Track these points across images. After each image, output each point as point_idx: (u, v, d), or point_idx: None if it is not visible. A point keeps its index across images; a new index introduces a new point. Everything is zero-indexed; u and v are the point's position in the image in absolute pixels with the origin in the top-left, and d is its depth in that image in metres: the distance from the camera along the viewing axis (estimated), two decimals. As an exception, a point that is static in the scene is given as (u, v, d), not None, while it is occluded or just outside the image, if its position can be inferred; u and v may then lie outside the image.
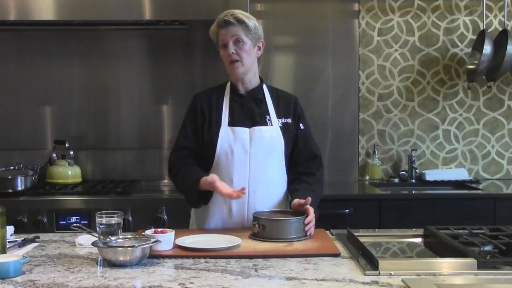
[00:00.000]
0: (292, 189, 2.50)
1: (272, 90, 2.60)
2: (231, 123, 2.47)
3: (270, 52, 3.85)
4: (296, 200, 2.35)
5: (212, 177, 2.35)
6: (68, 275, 1.82)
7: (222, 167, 2.45)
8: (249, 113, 2.50)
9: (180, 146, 2.53)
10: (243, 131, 2.45)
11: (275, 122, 2.50)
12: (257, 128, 2.46)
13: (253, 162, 2.44)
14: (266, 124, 2.48)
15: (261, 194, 2.45)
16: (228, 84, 2.56)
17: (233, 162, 2.43)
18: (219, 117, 2.49)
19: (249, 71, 2.50)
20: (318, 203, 2.47)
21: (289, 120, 2.53)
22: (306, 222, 2.25)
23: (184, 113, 2.59)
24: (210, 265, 1.92)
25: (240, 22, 2.44)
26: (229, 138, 2.45)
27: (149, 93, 3.92)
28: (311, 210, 2.28)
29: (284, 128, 2.51)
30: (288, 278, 1.78)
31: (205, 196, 2.43)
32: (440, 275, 1.78)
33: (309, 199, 2.30)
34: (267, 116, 2.51)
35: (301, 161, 2.55)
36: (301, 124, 2.56)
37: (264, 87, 2.57)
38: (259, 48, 2.52)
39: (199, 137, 2.50)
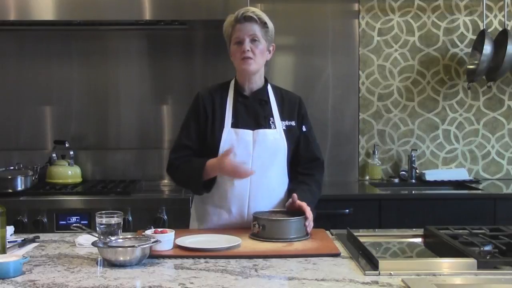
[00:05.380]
0: (290, 189, 2.49)
1: (276, 90, 2.55)
2: (235, 125, 2.43)
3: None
4: (288, 202, 2.37)
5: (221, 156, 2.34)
6: (68, 275, 1.82)
7: None
8: (253, 115, 2.46)
9: (183, 145, 2.49)
10: (247, 134, 2.42)
11: (279, 125, 2.46)
12: (261, 131, 2.43)
13: (255, 165, 2.41)
14: (269, 127, 2.45)
15: (261, 197, 2.43)
16: (232, 83, 2.52)
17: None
18: (223, 117, 2.45)
19: (258, 71, 2.47)
20: (316, 203, 2.47)
21: (293, 123, 2.50)
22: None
23: (184, 113, 2.55)
24: (210, 265, 1.91)
25: (261, 21, 2.41)
26: (232, 140, 2.41)
27: (149, 93, 3.92)
28: (305, 207, 2.28)
29: (288, 131, 2.48)
30: (288, 278, 1.78)
31: (208, 184, 2.41)
32: (440, 275, 1.78)
33: (295, 195, 2.32)
34: (271, 118, 2.47)
35: (301, 163, 2.54)
36: (303, 126, 2.54)
37: (269, 87, 2.53)
38: (269, 51, 2.50)
39: (202, 137, 2.47)
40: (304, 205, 2.29)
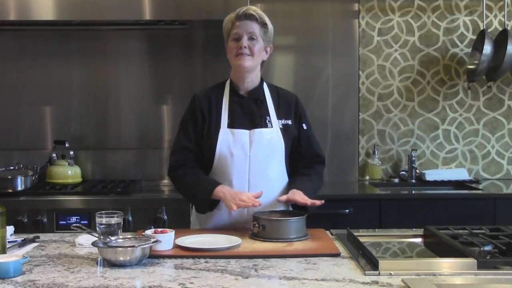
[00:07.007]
0: (290, 181, 2.50)
1: (272, 89, 2.55)
2: (231, 125, 2.43)
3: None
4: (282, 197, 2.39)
5: (225, 193, 2.35)
6: (68, 275, 1.82)
7: (221, 170, 2.43)
8: (249, 114, 2.46)
9: (183, 147, 2.48)
10: (243, 134, 2.42)
11: (275, 124, 2.46)
12: (257, 130, 2.43)
13: (252, 165, 2.41)
14: (266, 126, 2.45)
15: (260, 198, 2.40)
16: (228, 83, 2.52)
17: (233, 165, 2.41)
18: (219, 118, 2.45)
19: (253, 70, 2.46)
20: (316, 193, 2.48)
21: (290, 122, 2.50)
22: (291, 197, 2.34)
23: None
24: (210, 265, 1.92)
25: (261, 20, 2.42)
26: (229, 140, 2.41)
27: (149, 93, 3.92)
28: (292, 197, 2.33)
29: (284, 129, 2.47)
30: (288, 278, 1.78)
31: (212, 203, 2.42)
32: (440, 275, 1.79)
33: (284, 197, 2.35)
34: (267, 117, 2.46)
35: (303, 160, 2.55)
36: (304, 125, 2.54)
37: (265, 86, 2.53)
38: (266, 52, 2.49)
39: (200, 139, 2.47)
40: (291, 196, 2.34)
